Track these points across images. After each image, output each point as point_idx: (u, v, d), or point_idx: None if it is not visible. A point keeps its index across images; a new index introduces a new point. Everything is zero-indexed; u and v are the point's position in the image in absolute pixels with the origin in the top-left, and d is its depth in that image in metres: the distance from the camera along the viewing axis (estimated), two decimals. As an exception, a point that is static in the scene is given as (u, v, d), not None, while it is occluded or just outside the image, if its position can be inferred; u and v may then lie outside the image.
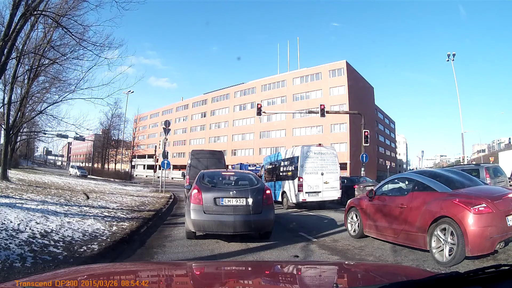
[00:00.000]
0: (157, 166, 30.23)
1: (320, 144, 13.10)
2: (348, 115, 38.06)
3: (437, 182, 4.88)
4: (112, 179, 33.67)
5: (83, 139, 39.14)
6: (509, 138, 75.72)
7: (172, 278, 1.68)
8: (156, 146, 37.19)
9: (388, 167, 55.02)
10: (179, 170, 50.13)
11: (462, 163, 24.35)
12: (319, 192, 11.98)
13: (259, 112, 19.64)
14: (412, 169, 53.69)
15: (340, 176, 12.72)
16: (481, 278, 1.19)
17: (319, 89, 44.47)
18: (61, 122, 17.30)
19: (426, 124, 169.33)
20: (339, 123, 41.28)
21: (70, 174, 35.03)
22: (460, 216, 4.08)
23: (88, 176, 35.19)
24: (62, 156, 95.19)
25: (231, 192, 5.56)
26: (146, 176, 58.01)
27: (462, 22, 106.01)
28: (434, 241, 4.40)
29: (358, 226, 6.25)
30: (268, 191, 5.86)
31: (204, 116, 61.37)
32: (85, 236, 5.21)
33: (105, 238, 5.27)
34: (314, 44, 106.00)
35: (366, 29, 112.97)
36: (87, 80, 36.95)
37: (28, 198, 8.46)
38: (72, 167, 41.28)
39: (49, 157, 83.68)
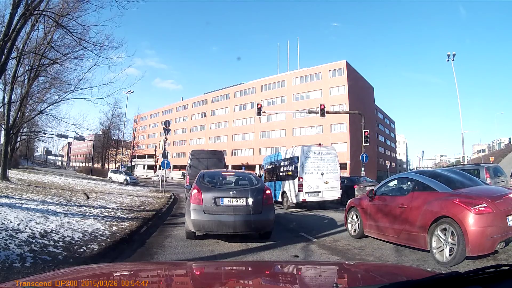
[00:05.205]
0: (157, 166, 30.18)
1: (320, 144, 13.10)
2: (348, 115, 38.04)
3: (437, 182, 4.87)
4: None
5: (83, 139, 39.15)
6: (509, 138, 75.74)
7: (172, 278, 1.68)
8: (156, 146, 37.08)
9: (388, 167, 55.02)
10: (179, 170, 50.15)
11: (462, 163, 24.35)
12: (319, 192, 11.97)
13: (259, 112, 19.63)
14: (412, 169, 53.72)
15: (340, 176, 12.73)
16: (481, 278, 1.19)
17: (319, 89, 44.45)
18: (61, 122, 17.36)
19: (426, 124, 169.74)
20: (339, 123, 41.27)
21: (112, 181, 27.62)
22: (460, 216, 4.07)
23: (88, 176, 35.14)
24: (62, 156, 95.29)
25: (231, 192, 5.55)
26: (146, 176, 58.00)
27: (462, 22, 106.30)
28: (435, 241, 4.39)
29: (358, 226, 6.25)
30: (268, 191, 5.86)
31: (204, 116, 61.36)
32: (85, 236, 5.21)
33: (105, 238, 5.27)
34: (314, 44, 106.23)
35: (366, 29, 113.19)
36: (87, 80, 36.88)
37: (28, 198, 8.46)
38: (116, 171, 30.83)
39: (49, 157, 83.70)
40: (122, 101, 74.61)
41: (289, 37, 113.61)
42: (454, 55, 26.00)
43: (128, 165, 44.54)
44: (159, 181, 34.44)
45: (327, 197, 12.12)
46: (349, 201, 6.94)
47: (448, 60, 26.14)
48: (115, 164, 46.37)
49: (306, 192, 11.81)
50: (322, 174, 12.03)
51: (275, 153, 16.75)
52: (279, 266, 2.22)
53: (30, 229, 5.00)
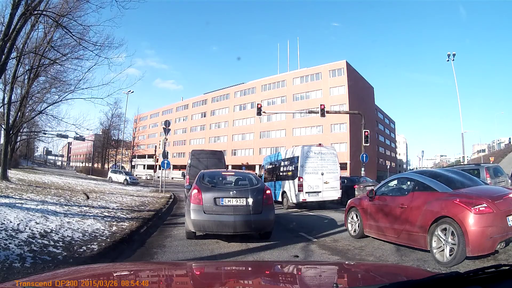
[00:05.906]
0: (157, 166, 30.17)
1: (320, 144, 13.10)
2: (348, 115, 38.07)
3: (437, 182, 4.87)
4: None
5: (83, 139, 39.15)
6: (509, 138, 75.77)
7: (172, 278, 1.68)
8: (156, 146, 37.07)
9: (388, 167, 55.05)
10: (179, 170, 50.17)
11: (462, 163, 24.34)
12: (319, 192, 11.97)
13: (259, 112, 19.64)
14: (412, 169, 53.73)
15: (340, 176, 12.73)
16: (481, 278, 1.19)
17: (319, 89, 44.48)
18: (61, 122, 17.39)
19: (426, 124, 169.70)
20: (339, 123, 41.29)
21: (112, 181, 27.91)
22: (460, 216, 4.07)
23: (88, 176, 35.13)
24: (62, 156, 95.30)
25: (231, 192, 5.55)
26: (146, 176, 57.94)
27: (462, 22, 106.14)
28: (435, 241, 4.39)
29: (358, 226, 6.24)
30: (268, 191, 5.85)
31: (204, 116, 61.38)
32: (85, 236, 5.21)
33: (105, 238, 5.27)
34: (314, 44, 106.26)
35: (366, 29, 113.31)
36: (87, 80, 36.83)
37: (28, 198, 8.46)
38: (115, 171, 31.18)
39: (49, 157, 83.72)
40: (122, 101, 74.51)
41: (289, 37, 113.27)
42: (454, 55, 26.02)
43: (122, 165, 44.41)
44: (151, 179, 34.32)
45: (327, 197, 12.13)
46: (349, 201, 6.94)
47: (448, 60, 26.16)
48: (115, 164, 46.37)
49: (306, 192, 11.82)
50: (322, 174, 12.03)
51: (275, 153, 16.75)
52: (279, 266, 2.22)
53: (30, 229, 4.99)
